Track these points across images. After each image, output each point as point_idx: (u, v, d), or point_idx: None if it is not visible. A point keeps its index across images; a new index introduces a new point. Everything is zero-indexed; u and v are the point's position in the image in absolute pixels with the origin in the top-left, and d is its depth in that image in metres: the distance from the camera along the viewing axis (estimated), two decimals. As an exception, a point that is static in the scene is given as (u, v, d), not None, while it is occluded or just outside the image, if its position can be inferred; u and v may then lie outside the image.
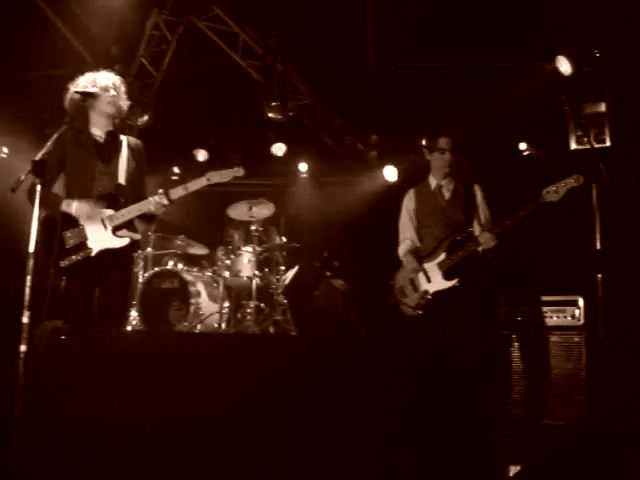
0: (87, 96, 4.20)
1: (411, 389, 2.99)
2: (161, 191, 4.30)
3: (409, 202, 5.47)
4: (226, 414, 2.94)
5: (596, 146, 6.95)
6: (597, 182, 3.26)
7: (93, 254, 4.22)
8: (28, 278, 3.54)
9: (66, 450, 2.90)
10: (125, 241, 4.28)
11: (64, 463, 2.89)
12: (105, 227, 4.25)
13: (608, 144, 7.27)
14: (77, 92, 4.22)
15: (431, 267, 5.10)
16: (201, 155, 9.53)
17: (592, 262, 3.19)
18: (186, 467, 2.93)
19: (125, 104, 4.49)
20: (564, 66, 6.76)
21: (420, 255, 5.23)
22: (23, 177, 3.71)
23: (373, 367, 3.09)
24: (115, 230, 4.26)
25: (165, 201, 4.27)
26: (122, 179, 4.34)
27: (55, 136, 3.90)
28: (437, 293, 5.05)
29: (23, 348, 3.42)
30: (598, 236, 3.13)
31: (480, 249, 4.91)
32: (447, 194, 5.25)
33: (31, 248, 3.60)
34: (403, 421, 2.93)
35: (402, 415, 2.95)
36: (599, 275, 3.10)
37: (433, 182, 5.31)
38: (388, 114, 8.84)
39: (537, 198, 4.72)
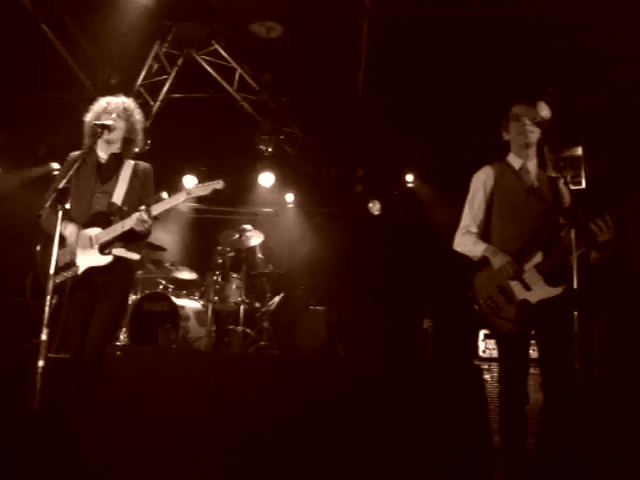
0: (104, 128, 4.41)
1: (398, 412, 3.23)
2: (143, 207, 4.29)
3: (488, 178, 4.27)
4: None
5: (572, 188, 7.37)
6: (576, 227, 3.58)
7: (80, 272, 4.29)
8: (48, 298, 3.73)
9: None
10: (108, 258, 4.32)
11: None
12: (92, 245, 4.34)
13: (584, 186, 7.72)
14: (96, 124, 4.42)
15: (528, 270, 3.96)
16: (189, 182, 9.59)
17: (570, 300, 3.49)
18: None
19: (138, 127, 4.63)
20: (544, 111, 7.12)
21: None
22: (48, 204, 3.89)
23: (357, 388, 3.32)
24: (102, 248, 4.33)
25: (145, 216, 4.23)
26: (117, 199, 4.44)
27: (76, 165, 4.11)
28: (541, 304, 3.88)
29: (41, 364, 3.61)
30: (575, 275, 3.44)
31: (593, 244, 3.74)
32: (534, 175, 4.23)
33: (51, 270, 3.80)
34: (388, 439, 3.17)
35: (388, 434, 3.20)
36: (575, 312, 3.41)
37: (516, 162, 4.26)
38: (375, 149, 9.20)
39: None
